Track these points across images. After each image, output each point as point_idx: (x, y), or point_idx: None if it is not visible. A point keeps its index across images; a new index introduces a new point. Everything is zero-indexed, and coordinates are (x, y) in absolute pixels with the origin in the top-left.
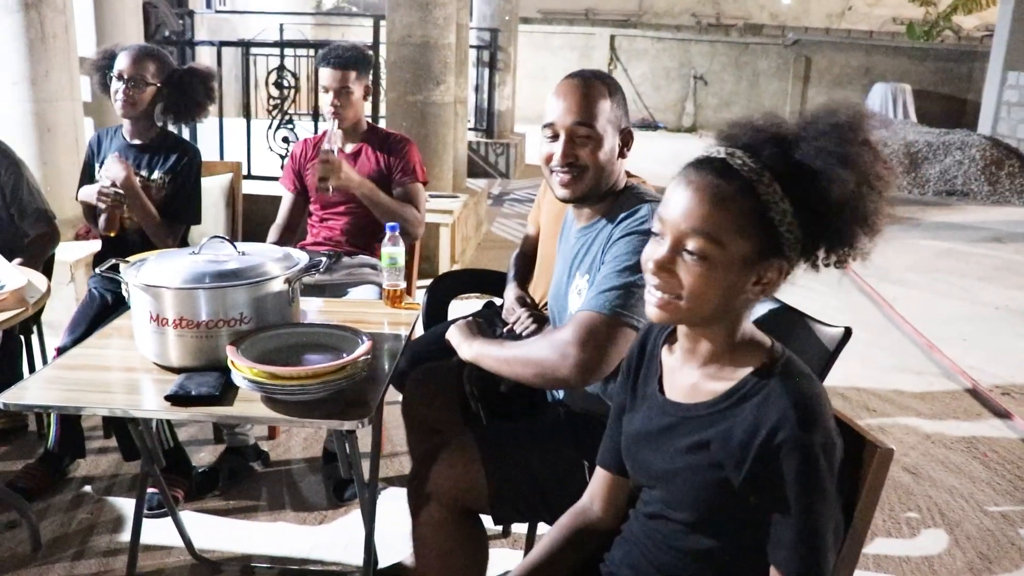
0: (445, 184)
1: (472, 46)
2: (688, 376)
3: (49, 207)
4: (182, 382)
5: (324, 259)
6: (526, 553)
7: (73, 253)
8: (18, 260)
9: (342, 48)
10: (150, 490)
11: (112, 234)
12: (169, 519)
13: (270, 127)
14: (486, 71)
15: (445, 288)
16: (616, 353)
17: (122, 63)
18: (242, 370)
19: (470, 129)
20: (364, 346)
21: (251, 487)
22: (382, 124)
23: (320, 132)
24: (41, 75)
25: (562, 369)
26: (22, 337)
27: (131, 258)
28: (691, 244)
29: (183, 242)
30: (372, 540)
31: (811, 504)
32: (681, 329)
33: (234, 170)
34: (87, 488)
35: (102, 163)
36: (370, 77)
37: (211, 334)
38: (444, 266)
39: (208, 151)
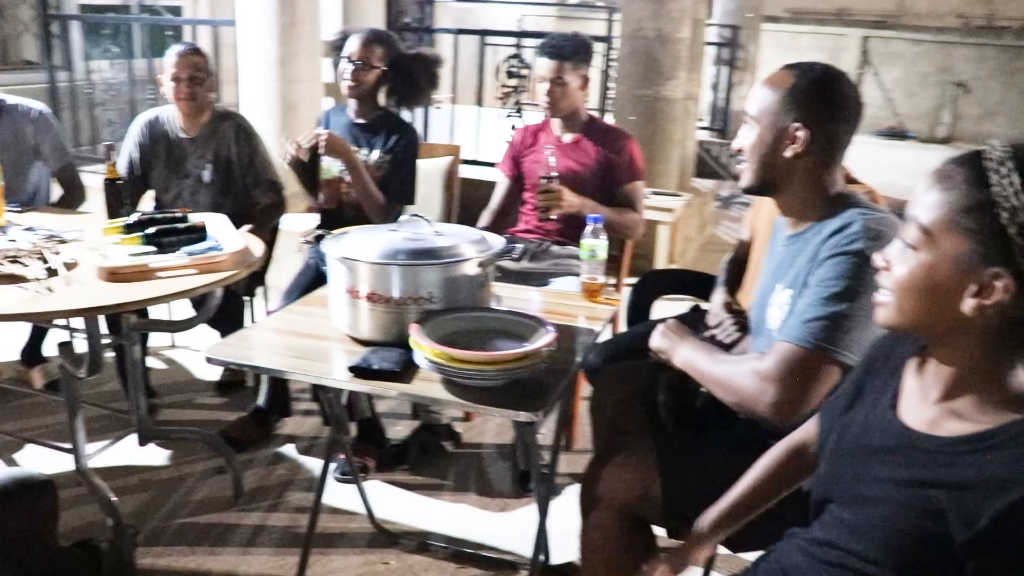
0: (669, 182)
1: (710, 43)
2: (928, 404)
3: (279, 179)
4: (367, 355)
5: (519, 246)
6: (705, 572)
7: (303, 224)
8: (247, 227)
9: (559, 38)
10: (342, 456)
11: (333, 207)
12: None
13: (504, 115)
14: (723, 69)
15: (651, 287)
16: (817, 392)
17: (351, 46)
18: (422, 349)
19: (702, 128)
20: (547, 337)
21: (439, 466)
22: (610, 117)
23: (542, 120)
24: (288, 57)
25: (759, 405)
26: (246, 299)
27: (335, 231)
28: (909, 234)
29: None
30: (544, 535)
31: None
32: (929, 350)
33: (453, 153)
34: (289, 446)
35: None
36: (589, 67)
37: (400, 310)
38: (660, 265)
39: (439, 135)
